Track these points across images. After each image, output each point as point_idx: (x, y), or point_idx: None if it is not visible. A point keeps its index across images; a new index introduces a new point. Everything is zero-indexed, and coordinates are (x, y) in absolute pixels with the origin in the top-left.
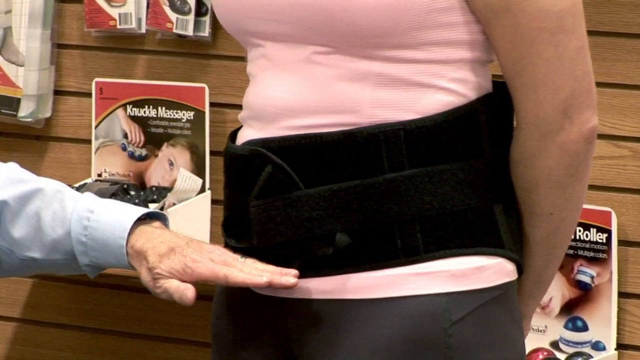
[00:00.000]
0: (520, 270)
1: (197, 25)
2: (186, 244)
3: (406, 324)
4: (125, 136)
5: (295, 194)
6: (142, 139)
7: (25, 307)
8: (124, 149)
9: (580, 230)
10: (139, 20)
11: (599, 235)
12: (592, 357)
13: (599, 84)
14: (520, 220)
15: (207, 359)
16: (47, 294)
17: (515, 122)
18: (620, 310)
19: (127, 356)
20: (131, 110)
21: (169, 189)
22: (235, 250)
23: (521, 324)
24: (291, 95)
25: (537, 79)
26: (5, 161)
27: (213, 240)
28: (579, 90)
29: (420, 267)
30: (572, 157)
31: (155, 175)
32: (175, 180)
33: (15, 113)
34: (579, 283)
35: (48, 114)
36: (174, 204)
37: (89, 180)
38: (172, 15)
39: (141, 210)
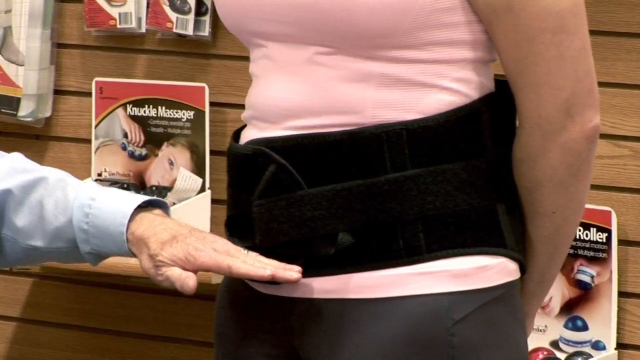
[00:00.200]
0: (523, 269)
1: (197, 24)
2: (189, 233)
3: (408, 324)
4: (125, 136)
5: (298, 193)
6: (142, 138)
7: (25, 306)
8: (124, 148)
9: (580, 230)
10: (139, 20)
11: (599, 235)
12: (592, 356)
13: (599, 84)
14: (523, 219)
15: (207, 358)
16: (47, 293)
17: (517, 122)
18: (620, 309)
19: (127, 356)
20: (131, 109)
21: (169, 189)
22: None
23: (524, 323)
24: (294, 96)
25: (539, 79)
26: None
27: None
28: (581, 90)
29: (422, 266)
30: (574, 157)
31: (155, 174)
32: (175, 180)
33: (15, 112)
34: (579, 282)
35: (48, 114)
36: (174, 204)
37: (89, 180)
38: (172, 15)
39: (142, 198)
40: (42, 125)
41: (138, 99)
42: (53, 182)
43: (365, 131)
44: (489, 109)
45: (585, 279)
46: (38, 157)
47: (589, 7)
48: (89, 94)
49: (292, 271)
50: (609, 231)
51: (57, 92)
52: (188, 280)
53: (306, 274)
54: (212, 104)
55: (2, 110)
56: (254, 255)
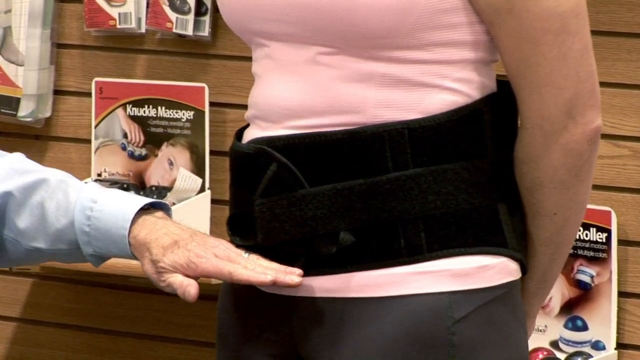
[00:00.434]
0: (524, 269)
1: (197, 24)
2: (190, 238)
3: (409, 323)
4: (125, 136)
5: (299, 192)
6: (142, 138)
7: (25, 307)
8: (124, 148)
9: (580, 230)
10: (139, 20)
11: (599, 235)
12: (591, 356)
13: (599, 84)
14: (525, 220)
15: (207, 358)
16: (47, 294)
17: (519, 122)
18: (620, 309)
19: (127, 356)
20: (131, 109)
21: (168, 189)
22: (239, 247)
23: (525, 323)
24: (295, 95)
25: (541, 80)
26: None
27: None
28: (582, 91)
29: (423, 266)
30: (575, 158)
31: (155, 174)
32: (175, 180)
33: (15, 113)
34: (579, 282)
35: (48, 114)
36: (174, 204)
37: (88, 180)
38: (172, 15)
39: (144, 200)
40: (41, 125)
41: (138, 99)
42: (54, 183)
43: (367, 130)
44: (490, 109)
45: (585, 279)
46: (38, 157)
47: (589, 7)
48: (89, 94)
49: (292, 275)
50: (608, 231)
51: (57, 92)
52: (190, 289)
53: (307, 273)
54: (211, 104)
55: (2, 110)
56: (254, 259)
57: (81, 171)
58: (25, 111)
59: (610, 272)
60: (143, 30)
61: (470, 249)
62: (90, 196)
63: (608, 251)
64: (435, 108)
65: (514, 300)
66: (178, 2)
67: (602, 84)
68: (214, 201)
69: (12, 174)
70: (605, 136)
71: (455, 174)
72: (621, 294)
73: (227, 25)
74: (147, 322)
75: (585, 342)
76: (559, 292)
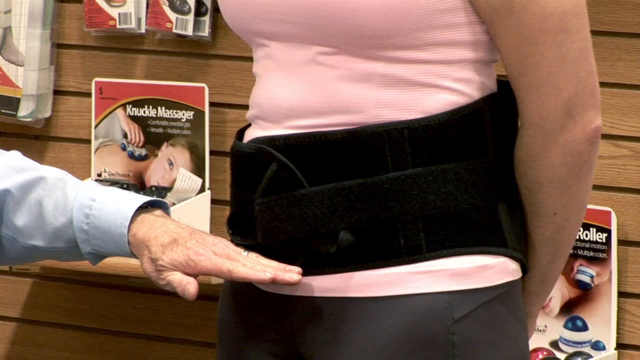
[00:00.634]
0: (524, 269)
1: (197, 25)
2: (189, 235)
3: (409, 322)
4: (125, 136)
5: (299, 192)
6: (142, 138)
7: (25, 307)
8: (124, 148)
9: (580, 230)
10: (139, 20)
11: (599, 235)
12: (591, 356)
13: (599, 84)
14: (525, 220)
15: (207, 358)
16: (47, 294)
17: (519, 122)
18: (619, 309)
19: (127, 356)
20: (131, 110)
21: (168, 189)
22: (238, 246)
23: (525, 323)
24: (296, 95)
25: (541, 80)
26: None
27: None
28: (582, 91)
29: (423, 265)
30: (575, 157)
31: (155, 175)
32: (175, 180)
33: (15, 113)
34: (579, 283)
35: (48, 114)
36: (174, 204)
37: (88, 180)
38: (172, 15)
39: (143, 199)
40: (41, 125)
41: (138, 99)
42: (52, 181)
43: (367, 130)
44: (490, 109)
45: (585, 279)
46: (38, 157)
47: (589, 7)
48: (89, 94)
49: (292, 273)
50: (608, 231)
51: (57, 92)
52: (189, 287)
53: (307, 272)
54: (211, 104)
55: (2, 110)
56: (254, 257)
57: (81, 171)
58: (25, 111)
59: (610, 272)
60: (143, 30)
61: (470, 249)
62: (88, 194)
63: (608, 251)
64: (435, 108)
65: (514, 300)
66: (178, 2)
67: (602, 84)
68: (214, 201)
69: (10, 171)
70: (605, 136)
71: (455, 174)
72: (621, 294)
73: (227, 26)
74: (147, 322)
75: (585, 342)
76: (559, 292)
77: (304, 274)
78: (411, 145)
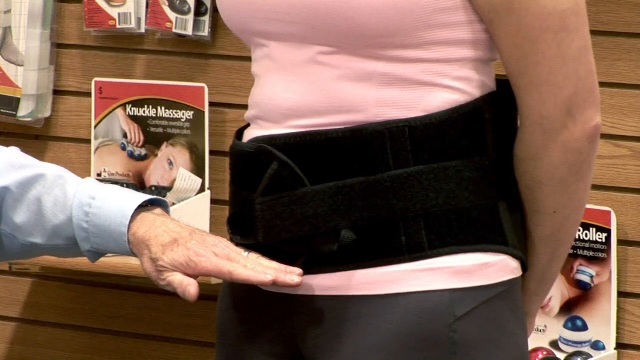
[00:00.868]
0: (524, 268)
1: (197, 25)
2: (189, 236)
3: (410, 320)
4: (125, 136)
5: (301, 190)
6: (142, 138)
7: (25, 307)
8: (124, 148)
9: (580, 230)
10: (139, 20)
11: (599, 235)
12: (591, 356)
13: (598, 84)
14: (525, 218)
15: (207, 359)
16: (47, 294)
17: (519, 121)
18: (619, 309)
19: (126, 356)
20: (131, 110)
21: (168, 189)
22: (239, 246)
23: (524, 321)
24: (296, 96)
25: (541, 78)
26: None
27: None
28: (582, 89)
29: (424, 263)
30: (575, 156)
31: (155, 175)
32: (174, 180)
33: (15, 113)
34: (579, 283)
35: (48, 114)
36: (174, 204)
37: (88, 178)
38: (172, 15)
39: (143, 197)
40: (41, 125)
41: (138, 99)
42: (51, 179)
43: (368, 128)
44: (490, 107)
45: (585, 279)
46: (38, 157)
47: (589, 7)
48: (89, 94)
49: (293, 275)
50: (608, 231)
51: (57, 92)
52: (190, 288)
53: (308, 271)
54: (211, 104)
55: (2, 110)
56: (255, 258)
57: (81, 171)
58: (25, 111)
59: (610, 272)
60: (143, 30)
61: (471, 247)
62: (88, 192)
63: (608, 251)
64: (436, 106)
65: (514, 298)
66: (178, 2)
67: (602, 84)
68: (213, 201)
69: (9, 168)
70: (605, 136)
71: (456, 172)
72: (621, 294)
73: (227, 26)
74: (147, 322)
75: (585, 342)
76: (558, 292)
77: (305, 273)
78: (412, 144)
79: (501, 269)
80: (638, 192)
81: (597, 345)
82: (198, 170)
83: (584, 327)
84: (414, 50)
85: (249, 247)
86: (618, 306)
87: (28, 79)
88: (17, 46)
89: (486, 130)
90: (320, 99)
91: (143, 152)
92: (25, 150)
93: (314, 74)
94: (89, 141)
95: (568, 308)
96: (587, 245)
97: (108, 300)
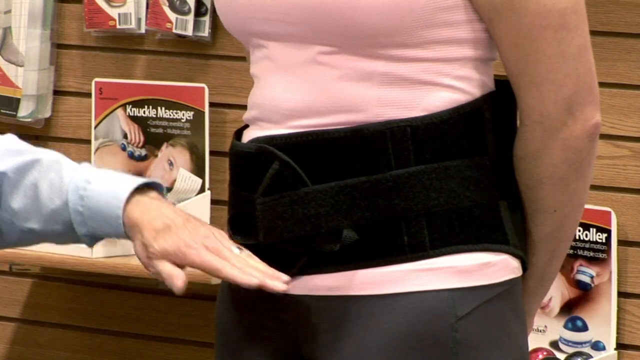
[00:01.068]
0: (525, 266)
1: (197, 25)
2: (183, 224)
3: (412, 320)
4: (125, 136)
5: (302, 190)
6: (142, 139)
7: (25, 307)
8: (124, 149)
9: (580, 230)
10: (139, 21)
11: (599, 235)
12: (591, 357)
13: (598, 84)
14: (524, 217)
15: (206, 359)
16: (47, 294)
17: (518, 120)
18: (619, 310)
19: (126, 356)
20: (131, 110)
21: (168, 189)
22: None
23: (525, 320)
24: (297, 96)
25: (541, 76)
26: None
27: None
28: (582, 87)
29: (426, 263)
30: (575, 154)
31: (155, 175)
32: (175, 180)
33: (14, 113)
34: (579, 283)
35: (48, 114)
36: (174, 204)
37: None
38: (172, 15)
39: (138, 180)
40: (41, 125)
41: (138, 99)
42: (47, 164)
43: (369, 128)
44: (490, 107)
45: (585, 279)
46: None
47: (588, 7)
48: (89, 95)
49: (278, 281)
50: (608, 231)
51: (57, 92)
52: (177, 281)
53: (309, 271)
54: (211, 104)
55: (2, 110)
56: (245, 256)
57: None
58: (25, 111)
59: (610, 273)
60: (143, 30)
61: (473, 246)
62: (84, 176)
63: (608, 251)
64: (436, 106)
65: (515, 297)
66: (178, 2)
67: (602, 84)
68: (213, 202)
69: (6, 154)
70: (605, 136)
71: (457, 171)
72: (621, 295)
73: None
74: (147, 322)
75: (585, 343)
76: (558, 293)
77: (306, 273)
78: (413, 143)
79: (502, 268)
80: (638, 192)
81: (597, 346)
82: (198, 171)
83: (584, 328)
84: (414, 49)
85: (250, 247)
86: (618, 306)
87: (28, 79)
88: (17, 46)
89: (486, 129)
90: (320, 99)
91: (143, 152)
92: None
93: (314, 74)
94: (89, 141)
95: (568, 308)
96: (587, 245)
97: (108, 300)
